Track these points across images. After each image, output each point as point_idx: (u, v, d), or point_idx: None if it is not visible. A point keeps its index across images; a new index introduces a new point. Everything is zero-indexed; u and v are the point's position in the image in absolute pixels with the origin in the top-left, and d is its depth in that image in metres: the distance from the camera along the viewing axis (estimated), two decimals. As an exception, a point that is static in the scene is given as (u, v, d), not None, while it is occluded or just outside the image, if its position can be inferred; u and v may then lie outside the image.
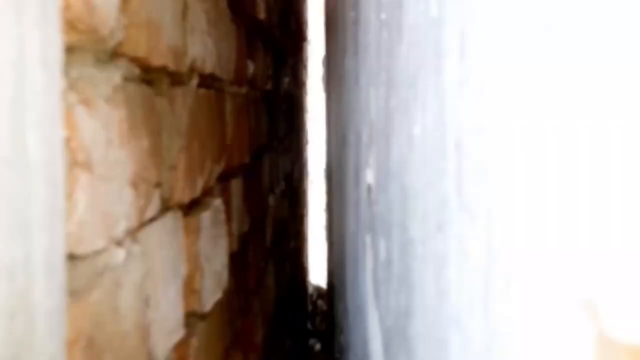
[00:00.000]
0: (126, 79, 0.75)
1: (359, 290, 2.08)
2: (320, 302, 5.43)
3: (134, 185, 0.79)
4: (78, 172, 0.61)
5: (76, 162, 0.61)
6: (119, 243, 0.75)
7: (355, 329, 2.28)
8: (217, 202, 1.33)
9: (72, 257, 0.62)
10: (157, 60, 0.89)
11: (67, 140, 0.59)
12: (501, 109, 0.49)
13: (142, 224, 0.85)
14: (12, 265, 0.48)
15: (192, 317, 1.16)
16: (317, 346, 4.73)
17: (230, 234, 1.48)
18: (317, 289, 5.54)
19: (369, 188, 1.64)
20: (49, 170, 0.53)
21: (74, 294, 0.63)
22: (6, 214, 0.47)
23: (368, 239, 1.72)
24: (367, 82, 1.65)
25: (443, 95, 0.72)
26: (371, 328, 1.68)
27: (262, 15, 2.04)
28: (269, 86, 2.33)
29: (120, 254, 0.74)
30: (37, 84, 0.50)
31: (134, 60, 0.80)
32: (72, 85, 0.60)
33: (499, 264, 0.50)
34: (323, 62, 4.59)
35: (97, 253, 0.68)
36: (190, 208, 1.15)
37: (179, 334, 1.06)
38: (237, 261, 1.63)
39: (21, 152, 0.49)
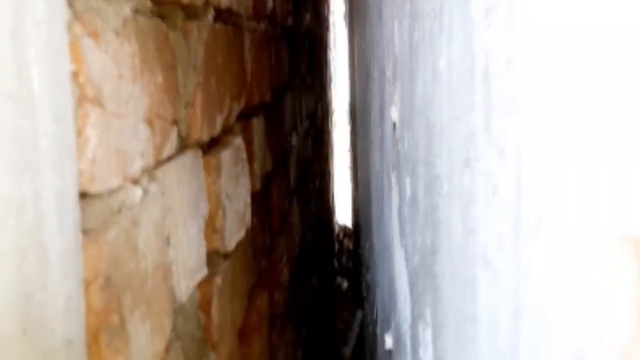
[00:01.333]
0: (137, 11, 0.72)
1: (384, 228, 2.07)
2: (346, 241, 5.46)
3: (149, 122, 0.77)
4: (88, 107, 0.59)
5: (85, 97, 0.59)
6: (135, 181, 0.74)
7: (382, 267, 2.28)
8: (238, 141, 1.31)
9: (85, 196, 0.60)
10: (170, -7, 0.86)
11: (75, 75, 0.56)
12: (532, 38, 0.46)
13: (160, 163, 0.83)
14: (21, 204, 0.46)
15: (215, 256, 1.15)
16: (344, 284, 4.78)
17: (252, 173, 1.46)
18: (343, 228, 5.56)
19: (394, 125, 1.61)
20: (56, 105, 0.51)
21: (90, 233, 0.61)
22: (12, 150, 0.45)
23: (393, 177, 1.69)
24: (390, 16, 1.60)
25: (470, 26, 0.69)
26: (397, 266, 1.67)
27: (282, -52, 1.98)
28: (289, 22, 2.28)
29: (137, 193, 0.73)
30: (38, 13, 0.47)
31: (146, -8, 0.77)
32: (77, 16, 0.57)
33: (529, 201, 0.47)
34: (347, -2, 4.49)
35: (112, 191, 0.66)
36: (210, 147, 1.13)
37: (202, 273, 1.05)
38: (260, 201, 1.61)
39: (25, 86, 0.47)
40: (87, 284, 0.59)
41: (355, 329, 4.12)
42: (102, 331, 0.61)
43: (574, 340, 0.37)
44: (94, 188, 0.62)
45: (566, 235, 0.39)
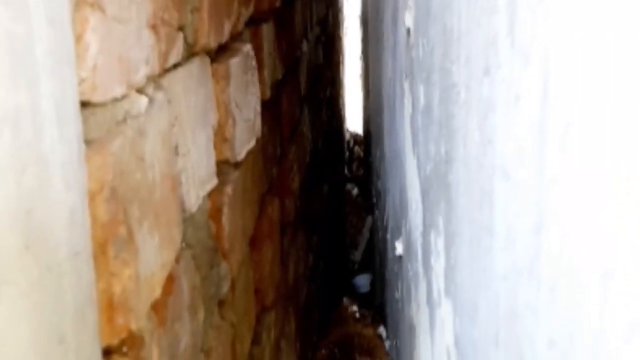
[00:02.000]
0: None
1: (396, 137, 2.04)
2: (356, 149, 5.45)
3: (153, 27, 0.73)
4: (87, 11, 0.56)
5: (84, 0, 0.55)
6: (140, 90, 0.71)
7: (393, 175, 2.27)
8: (247, 48, 1.26)
9: (88, 105, 0.58)
10: None
11: (71, -25, 0.53)
12: None
13: (165, 70, 0.80)
14: (16, 114, 0.44)
15: (225, 166, 1.14)
16: (354, 191, 4.80)
17: (262, 81, 1.43)
18: (354, 136, 5.54)
19: (408, 31, 1.56)
20: (52, 8, 0.48)
21: (93, 143, 0.59)
22: (4, 56, 0.42)
23: (406, 85, 1.65)
24: None
25: None
26: (409, 174, 1.65)
27: None
28: None
29: (142, 102, 0.70)
30: None
31: None
32: None
33: (556, 110, 0.44)
34: None
35: (116, 101, 0.64)
36: (218, 54, 1.09)
37: (212, 182, 1.04)
38: (271, 109, 1.58)
39: (16, -13, 0.43)
40: (92, 196, 0.58)
41: (366, 234, 4.17)
42: (110, 243, 0.60)
43: (601, 263, 0.35)
44: (96, 97, 0.59)
45: (596, 145, 0.37)
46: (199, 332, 0.95)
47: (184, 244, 0.88)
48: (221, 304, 1.10)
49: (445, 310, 1.09)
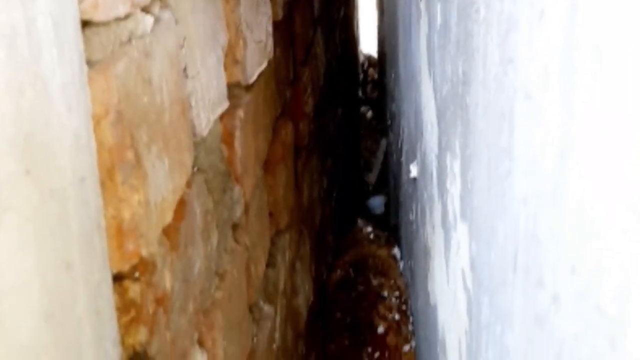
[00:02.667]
0: None
1: (411, 58, 1.99)
2: (371, 71, 5.37)
3: (157, -59, 0.69)
4: None
5: None
6: (145, 9, 0.68)
7: (408, 96, 2.23)
8: (258, -36, 1.22)
9: (89, 25, 0.55)
10: None
11: None
12: None
13: (172, -13, 0.76)
14: (11, 32, 0.41)
15: (236, 89, 1.11)
16: (368, 114, 4.75)
17: (273, 0, 1.38)
18: (368, 57, 5.45)
19: (425, -55, 1.49)
20: None
21: (97, 65, 0.57)
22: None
23: (422, 4, 1.60)
24: None
25: None
26: (424, 96, 1.62)
27: None
28: None
29: (147, 21, 0.67)
30: None
31: None
32: None
33: (584, 27, 0.41)
34: None
35: (119, 20, 0.61)
36: (228, -30, 1.05)
37: (223, 106, 1.02)
38: (283, 30, 1.54)
39: None
40: (97, 120, 0.56)
41: (380, 156, 4.15)
42: (117, 169, 0.58)
43: (631, 192, 0.33)
44: (98, 16, 0.56)
45: (632, 67, 0.34)
46: (213, 255, 0.94)
47: (195, 169, 0.86)
48: (235, 227, 1.09)
49: (460, 233, 1.08)
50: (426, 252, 1.67)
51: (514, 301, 0.73)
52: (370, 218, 3.30)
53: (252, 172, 1.18)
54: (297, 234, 1.76)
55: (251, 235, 1.21)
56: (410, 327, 2.30)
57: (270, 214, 1.42)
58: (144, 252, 0.64)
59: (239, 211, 1.08)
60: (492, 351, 0.86)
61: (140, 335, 0.64)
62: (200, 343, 0.88)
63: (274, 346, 1.35)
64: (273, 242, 1.46)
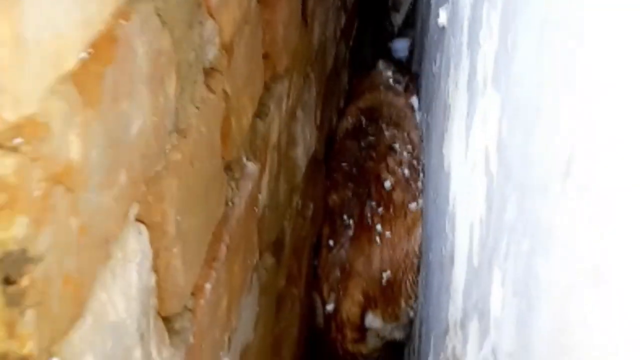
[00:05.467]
0: None
1: None
2: None
3: None
4: None
5: None
6: None
7: None
8: None
9: None
10: None
11: None
12: None
13: None
14: None
15: None
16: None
17: None
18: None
19: None
20: None
21: None
22: None
23: None
24: None
25: None
26: None
27: None
28: None
29: None
30: None
31: None
32: None
33: None
34: None
35: None
36: None
37: None
38: None
39: None
40: None
41: (409, -3, 3.82)
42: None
43: None
44: None
45: None
46: (168, 109, 0.73)
47: (140, -8, 0.63)
48: (209, 72, 0.88)
49: (490, 102, 0.85)
50: (445, 110, 1.44)
51: (554, 218, 0.52)
52: (393, 61, 3.03)
53: (235, 3, 0.93)
54: (300, 78, 1.54)
55: (234, 81, 0.99)
56: (419, 185, 2.11)
57: (265, 56, 1.19)
58: (18, 113, 0.43)
59: (211, 52, 0.85)
60: (512, 263, 0.66)
61: (16, 228, 0.45)
62: (142, 219, 0.69)
63: (257, 209, 1.17)
64: (267, 88, 1.24)
